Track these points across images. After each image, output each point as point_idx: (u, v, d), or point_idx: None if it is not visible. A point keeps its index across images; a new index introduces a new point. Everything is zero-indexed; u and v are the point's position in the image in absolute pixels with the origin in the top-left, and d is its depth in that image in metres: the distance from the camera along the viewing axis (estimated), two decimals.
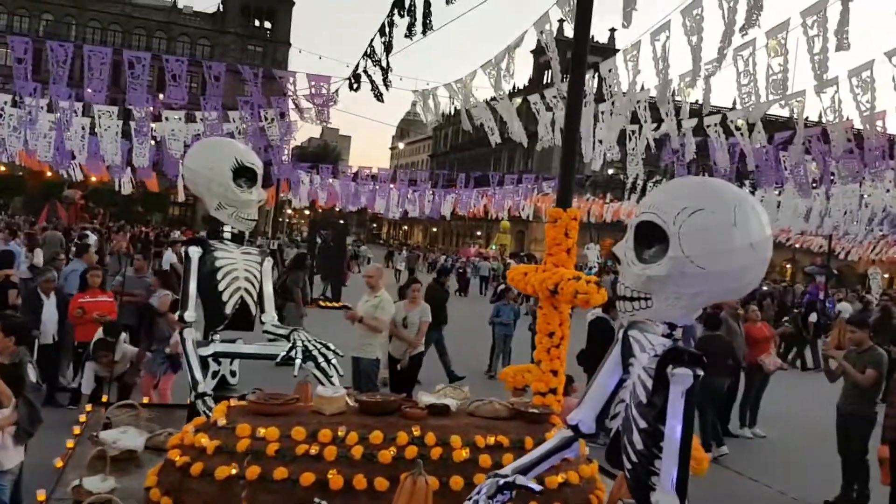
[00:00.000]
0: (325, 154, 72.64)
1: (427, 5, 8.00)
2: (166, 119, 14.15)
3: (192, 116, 15.18)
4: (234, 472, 3.72)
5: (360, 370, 7.48)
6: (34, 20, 63.59)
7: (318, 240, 17.99)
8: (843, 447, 7.77)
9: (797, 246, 43.36)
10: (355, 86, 11.32)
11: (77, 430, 4.73)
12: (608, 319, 9.41)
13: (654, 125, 11.36)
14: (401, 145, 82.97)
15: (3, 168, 50.54)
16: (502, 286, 13.39)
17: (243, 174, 5.26)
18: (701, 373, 2.84)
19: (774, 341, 10.57)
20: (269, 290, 5.59)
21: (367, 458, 3.92)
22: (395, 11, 9.18)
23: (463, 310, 19.81)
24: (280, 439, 3.90)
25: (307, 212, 60.81)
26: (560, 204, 5.06)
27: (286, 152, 18.30)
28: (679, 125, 11.21)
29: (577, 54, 5.23)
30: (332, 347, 5.22)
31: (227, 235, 5.38)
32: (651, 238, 3.03)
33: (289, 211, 63.42)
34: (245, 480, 3.71)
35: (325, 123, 12.20)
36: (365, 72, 10.88)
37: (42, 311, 7.81)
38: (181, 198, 27.25)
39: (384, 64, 10.07)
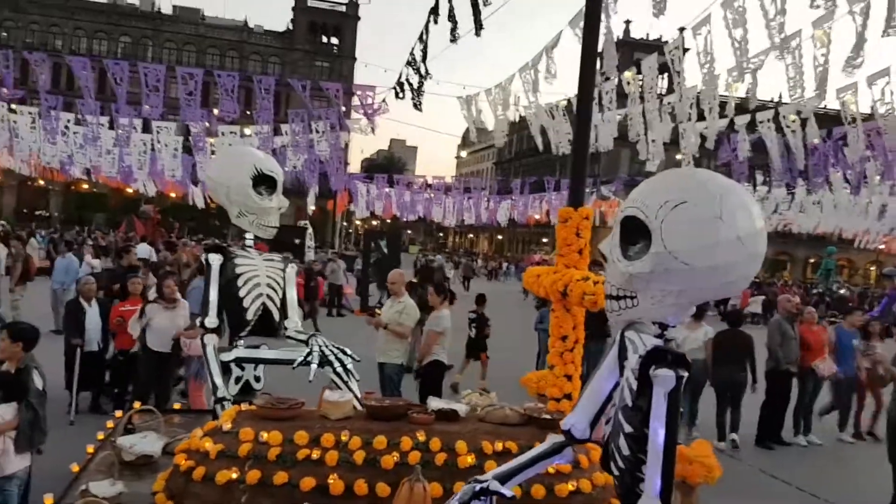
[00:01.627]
0: (391, 165, 73.37)
1: (475, 6, 7.95)
2: (222, 133, 14.56)
3: (268, 131, 15.47)
4: (234, 476, 3.73)
5: (385, 375, 7.47)
6: (112, 42, 66.26)
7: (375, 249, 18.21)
8: (893, 454, 7.37)
9: (881, 248, 41.53)
10: (401, 94, 11.38)
11: (101, 435, 4.84)
12: None
13: (705, 123, 11.02)
14: (463, 154, 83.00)
15: (86, 186, 52.95)
16: None
17: (263, 182, 5.32)
18: (684, 374, 2.70)
19: (831, 345, 10.00)
20: (292, 296, 5.62)
21: (369, 463, 3.89)
22: (432, 18, 9.20)
23: (515, 315, 19.66)
24: (282, 444, 3.90)
25: (374, 222, 61.60)
26: (571, 203, 4.93)
27: (341, 163, 18.56)
28: (731, 123, 10.85)
29: (585, 52, 5.10)
30: (349, 352, 5.22)
31: (248, 243, 5.46)
32: (636, 234, 2.90)
33: (357, 222, 64.28)
34: (245, 485, 3.73)
35: (370, 133, 12.29)
36: (408, 80, 10.92)
37: (85, 319, 8.09)
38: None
39: (422, 71, 10.09)
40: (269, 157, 5.64)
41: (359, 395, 5.12)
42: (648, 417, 2.74)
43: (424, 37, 9.62)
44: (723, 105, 9.69)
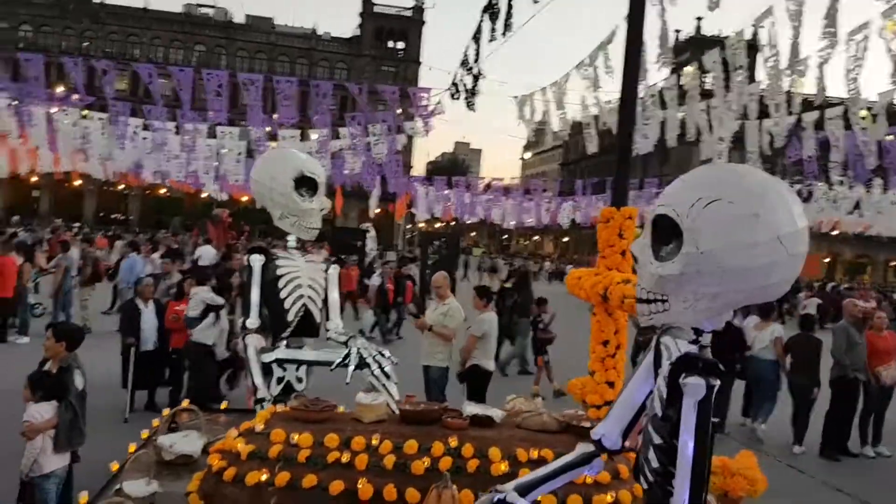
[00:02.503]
0: (454, 168, 73.50)
1: (509, 6, 7.83)
2: (282, 138, 14.77)
3: (327, 134, 15.60)
4: (264, 477, 3.70)
5: (429, 378, 7.39)
6: (188, 52, 68.32)
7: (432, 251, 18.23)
8: None
9: None
10: (456, 96, 11.32)
11: (145, 434, 4.89)
12: (729, 322, 9.42)
13: (772, 121, 10.59)
14: (528, 155, 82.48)
15: (163, 190, 54.70)
16: None
17: (305, 184, 5.31)
18: (716, 383, 2.53)
19: None
20: (334, 297, 5.60)
21: (399, 468, 3.81)
22: (485, 16, 9.11)
23: (583, 319, 19.30)
24: (313, 446, 3.86)
25: (437, 224, 61.77)
26: (615, 203, 4.75)
27: (399, 165, 18.63)
28: (799, 120, 10.41)
29: (629, 51, 4.91)
30: (387, 355, 5.17)
31: (290, 244, 5.46)
32: (668, 233, 2.74)
33: (420, 224, 64.62)
34: (275, 487, 3.69)
35: (425, 135, 12.26)
36: (462, 81, 10.85)
37: (141, 319, 8.28)
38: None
39: (476, 71, 10.00)
40: (311, 159, 5.63)
41: (396, 398, 5.06)
42: (678, 428, 2.58)
43: (478, 36, 9.52)
44: (789, 102, 9.29)
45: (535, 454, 3.95)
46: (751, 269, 2.55)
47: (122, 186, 55.92)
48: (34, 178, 50.78)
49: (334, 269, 5.70)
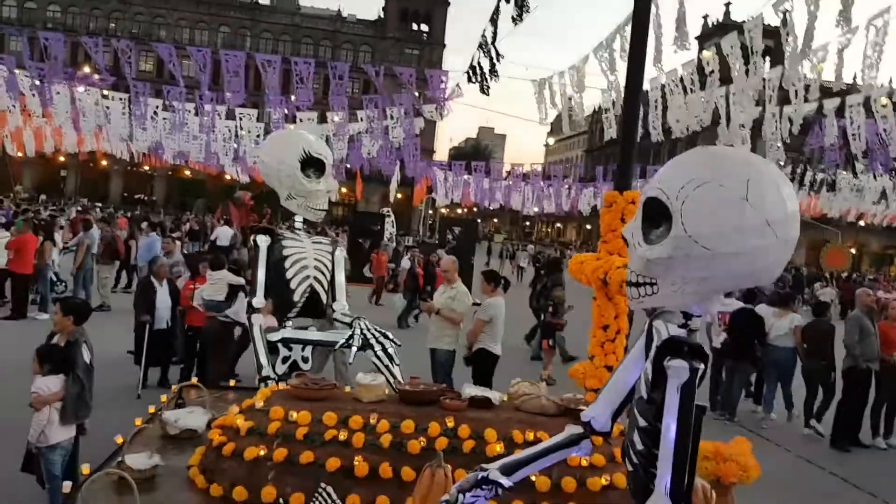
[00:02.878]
0: (477, 153, 73.28)
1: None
2: (300, 120, 14.81)
3: (343, 117, 15.59)
4: (262, 453, 3.76)
5: (436, 361, 7.41)
6: (213, 33, 68.60)
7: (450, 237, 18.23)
8: None
9: None
10: (473, 79, 11.27)
11: (152, 409, 4.97)
12: (752, 310, 10.19)
13: (792, 107, 10.41)
14: (550, 141, 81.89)
15: (187, 172, 55.17)
16: None
17: (312, 165, 5.36)
18: (700, 366, 2.53)
19: None
20: (340, 278, 5.66)
21: (395, 447, 3.85)
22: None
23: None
24: (311, 424, 3.91)
25: (459, 210, 61.68)
26: (618, 187, 4.72)
27: (417, 149, 18.56)
28: (821, 107, 10.26)
29: (635, 36, 4.87)
30: (391, 336, 5.22)
31: (297, 225, 5.51)
32: (658, 216, 2.72)
33: (442, 210, 64.64)
34: (272, 462, 3.75)
35: (440, 118, 12.22)
36: (479, 64, 10.80)
37: (156, 298, 8.38)
38: (334, 197, 28.27)
39: (493, 54, 9.94)
40: (319, 141, 5.67)
41: (400, 379, 5.11)
42: (663, 411, 2.59)
43: (495, 17, 9.47)
44: (808, 88, 9.13)
45: (531, 436, 3.97)
46: (739, 254, 2.54)
47: (147, 168, 56.41)
48: (61, 159, 51.57)
49: (341, 251, 5.74)
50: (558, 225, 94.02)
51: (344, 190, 34.20)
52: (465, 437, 3.93)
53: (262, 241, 5.22)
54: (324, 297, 5.50)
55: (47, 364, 4.64)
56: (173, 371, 8.55)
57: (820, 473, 7.91)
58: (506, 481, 2.73)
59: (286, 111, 14.38)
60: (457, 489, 2.69)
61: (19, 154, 43.46)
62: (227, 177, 41.33)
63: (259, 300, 5.12)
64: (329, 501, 3.20)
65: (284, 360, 5.30)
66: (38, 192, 58.40)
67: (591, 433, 3.07)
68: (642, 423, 2.70)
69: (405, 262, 16.94)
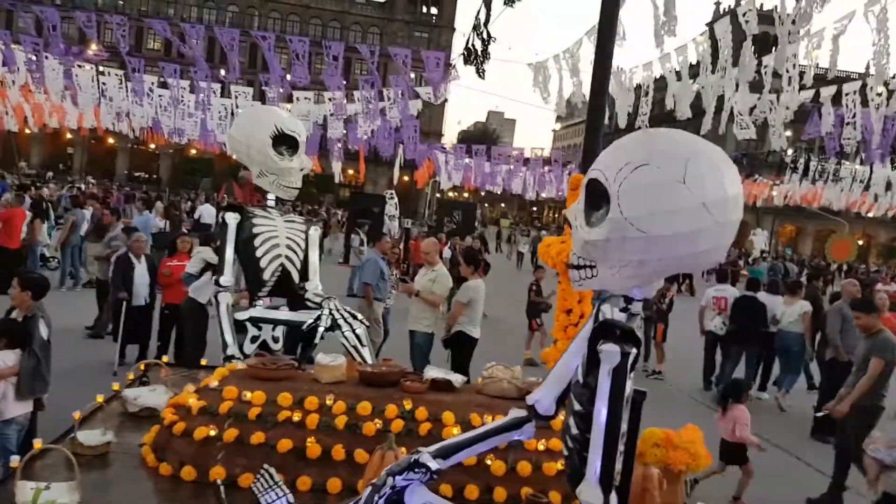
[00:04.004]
0: (484, 137, 73.00)
1: None
2: (296, 99, 14.74)
3: (340, 97, 15.42)
4: (212, 433, 3.73)
5: (414, 343, 7.39)
6: (221, 12, 68.43)
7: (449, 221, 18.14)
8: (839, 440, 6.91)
9: None
10: (471, 59, 11.16)
11: (116, 386, 4.96)
12: (755, 297, 10.63)
13: (788, 95, 10.26)
14: (557, 126, 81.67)
15: (194, 151, 55.12)
16: None
17: (284, 142, 5.29)
18: (633, 351, 2.49)
19: None
20: (314, 258, 5.62)
21: (350, 429, 3.82)
22: None
23: None
24: (265, 404, 3.87)
25: (466, 194, 61.56)
26: (584, 171, 4.65)
27: (416, 132, 18.37)
28: (817, 94, 10.12)
29: (603, 16, 4.78)
30: (360, 317, 5.19)
31: (270, 203, 5.46)
32: (599, 198, 2.68)
33: (450, 194, 64.46)
34: (222, 442, 3.72)
35: (436, 101, 12.12)
36: (474, 46, 10.70)
37: (134, 274, 8.35)
38: (336, 179, 28.21)
39: (485, 35, 9.85)
40: (291, 117, 5.60)
41: (369, 361, 5.08)
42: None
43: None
44: (802, 75, 8.98)
45: (489, 419, 3.92)
46: (675, 237, 2.49)
47: (153, 146, 56.37)
48: (68, 136, 51.63)
49: (315, 231, 5.70)
50: (565, 210, 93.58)
51: (351, 172, 34.11)
52: (423, 419, 3.90)
53: (231, 218, 5.18)
54: (296, 277, 5.46)
55: (3, 338, 4.62)
56: (152, 349, 8.54)
57: (796, 463, 7.85)
58: (434, 464, 2.69)
59: (281, 90, 14.29)
60: (387, 472, 2.65)
61: (27, 131, 43.64)
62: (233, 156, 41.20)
63: (226, 278, 5.08)
64: (271, 482, 3.17)
65: (254, 339, 5.27)
66: (46, 168, 58.55)
67: (535, 417, 3.03)
68: (577, 407, 2.67)
69: (446, 252, 16.09)
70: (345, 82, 14.37)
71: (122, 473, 3.74)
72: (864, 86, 9.28)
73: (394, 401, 3.98)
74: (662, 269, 2.65)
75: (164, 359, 5.85)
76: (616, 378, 2.48)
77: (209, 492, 3.52)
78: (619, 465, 2.81)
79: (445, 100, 13.01)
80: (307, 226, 5.62)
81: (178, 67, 13.55)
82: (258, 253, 5.22)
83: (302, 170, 5.42)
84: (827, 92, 10.38)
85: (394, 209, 21.75)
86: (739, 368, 10.46)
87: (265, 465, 3.32)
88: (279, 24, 68.79)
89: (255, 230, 5.23)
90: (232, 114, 15.62)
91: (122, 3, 64.70)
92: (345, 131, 15.66)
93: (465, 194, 61.15)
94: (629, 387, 2.67)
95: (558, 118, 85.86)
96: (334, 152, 23.34)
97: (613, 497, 2.52)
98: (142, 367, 5.43)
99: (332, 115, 14.60)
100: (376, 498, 2.59)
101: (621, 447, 2.66)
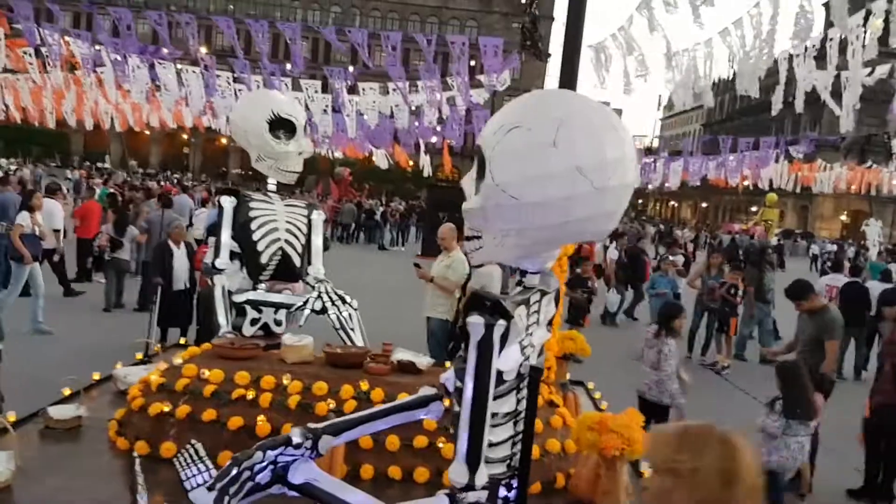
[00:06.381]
0: None
1: None
2: (363, 90, 14.86)
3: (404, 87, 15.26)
4: (166, 409, 3.80)
5: (429, 330, 7.27)
6: (324, 13, 70.44)
7: None
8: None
9: None
10: (528, 44, 10.98)
11: (119, 365, 5.13)
12: (857, 282, 11.86)
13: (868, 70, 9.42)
14: (659, 114, 79.11)
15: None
16: (665, 255, 12.09)
17: (281, 126, 5.31)
18: (498, 322, 2.33)
19: None
20: (317, 243, 5.62)
21: (302, 408, 3.81)
22: None
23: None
24: (221, 382, 3.91)
25: None
26: None
27: (486, 122, 18.01)
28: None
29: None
30: (349, 300, 5.16)
31: (270, 187, 5.50)
32: (482, 166, 2.54)
33: None
34: (175, 419, 3.78)
35: (497, 88, 11.93)
36: (526, 28, 10.50)
37: (172, 260, 8.64)
38: (426, 173, 28.33)
39: (534, 14, 9.64)
40: (291, 101, 5.62)
41: (359, 343, 5.05)
42: None
43: None
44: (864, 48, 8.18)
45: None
46: (547, 203, 2.33)
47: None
48: (184, 136, 54.40)
49: (318, 215, 5.70)
50: (672, 203, 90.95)
51: (444, 165, 34.31)
52: (378, 401, 3.83)
53: (227, 201, 5.23)
54: (297, 261, 5.48)
55: None
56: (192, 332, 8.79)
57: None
58: (297, 438, 2.62)
59: (347, 81, 14.42)
60: (257, 447, 2.59)
61: (146, 132, 46.00)
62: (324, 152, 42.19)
63: (221, 261, 5.16)
64: (196, 458, 3.18)
65: (253, 321, 5.31)
66: (164, 168, 61.93)
67: (446, 395, 2.92)
68: (458, 383, 2.55)
69: (612, 252, 15.06)
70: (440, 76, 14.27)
71: (84, 447, 3.86)
72: None
73: (352, 382, 3.93)
74: (547, 239, 2.48)
75: (182, 340, 6.03)
76: (481, 351, 2.35)
77: (160, 467, 3.58)
78: (515, 448, 2.67)
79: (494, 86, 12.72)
80: (309, 210, 5.63)
81: (246, 64, 13.93)
82: (255, 237, 5.26)
83: (300, 154, 5.44)
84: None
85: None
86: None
87: (192, 441, 3.34)
88: (379, 22, 70.17)
89: (251, 214, 5.27)
90: (306, 108, 15.89)
91: (231, 7, 67.43)
92: (438, 126, 15.58)
93: None
94: (514, 361, 2.53)
95: (668, 106, 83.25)
96: (424, 146, 23.49)
97: (481, 475, 2.38)
98: (157, 348, 5.61)
99: (396, 106, 14.62)
100: (246, 474, 2.52)
101: (504, 423, 2.52)
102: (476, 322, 2.34)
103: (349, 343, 5.01)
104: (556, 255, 2.69)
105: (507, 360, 2.50)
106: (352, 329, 5.06)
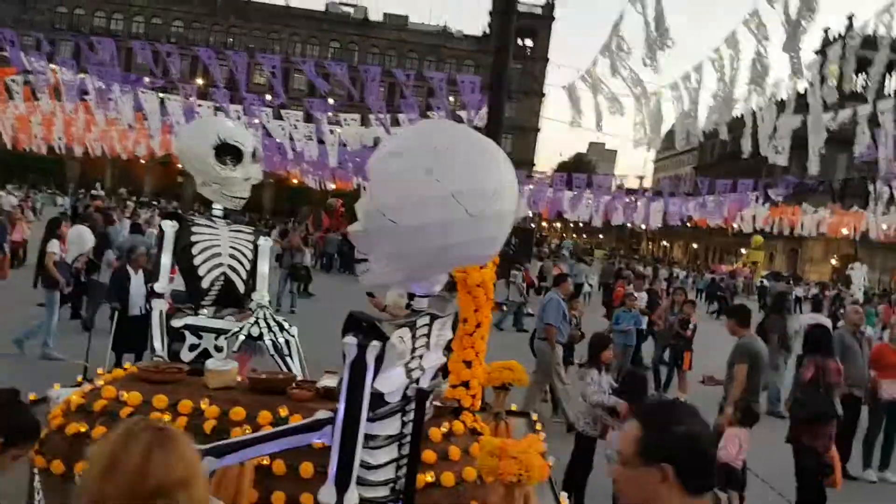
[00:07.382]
0: (579, 168, 72.42)
1: None
2: (344, 122, 15.01)
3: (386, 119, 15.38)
4: (82, 430, 3.77)
5: None
6: (323, 48, 71.21)
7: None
8: None
9: None
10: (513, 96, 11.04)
11: (57, 386, 5.09)
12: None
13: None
14: (651, 155, 79.78)
15: (296, 181, 57.21)
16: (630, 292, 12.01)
17: (228, 152, 5.35)
18: (372, 343, 2.34)
19: None
20: (263, 268, 5.62)
21: (217, 433, 3.76)
22: None
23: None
24: (139, 405, 3.88)
25: (557, 224, 60.97)
26: None
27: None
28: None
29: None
30: (287, 327, 5.15)
31: (216, 213, 5.51)
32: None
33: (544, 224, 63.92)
34: (91, 439, 3.75)
35: (476, 124, 12.07)
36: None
37: (129, 285, 8.63)
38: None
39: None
40: (238, 128, 5.67)
41: (297, 372, 5.02)
42: None
43: None
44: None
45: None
46: (424, 227, 2.35)
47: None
48: (178, 165, 54.56)
49: (265, 241, 5.72)
50: (664, 243, 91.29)
51: None
52: None
53: (168, 226, 5.24)
54: (241, 287, 5.47)
55: None
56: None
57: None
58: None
59: (381, 115, 14.38)
60: None
61: (142, 161, 46.08)
62: (332, 185, 42.32)
63: (160, 285, 5.16)
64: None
65: (192, 347, 5.28)
66: (158, 196, 61.99)
67: None
68: None
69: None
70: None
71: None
72: None
73: (271, 408, 3.90)
74: (426, 264, 2.50)
75: (128, 366, 5.98)
76: (353, 371, 2.35)
77: (68, 486, 3.54)
78: (401, 472, 2.65)
79: (538, 130, 12.75)
80: (256, 236, 5.63)
81: (229, 94, 14.07)
82: (196, 261, 5.27)
83: (247, 179, 5.47)
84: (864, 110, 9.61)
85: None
86: None
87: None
88: (377, 58, 70.90)
89: (192, 238, 5.28)
90: (291, 138, 16.01)
91: (231, 40, 68.20)
92: None
93: (557, 224, 60.40)
94: (398, 383, 2.53)
95: (660, 149, 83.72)
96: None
97: (352, 497, 2.37)
98: (99, 371, 5.56)
99: (375, 138, 14.77)
100: None
101: (386, 446, 2.51)
102: (350, 342, 2.35)
103: (285, 369, 4.99)
104: (443, 280, 2.70)
105: (390, 382, 2.50)
106: (288, 355, 5.04)
